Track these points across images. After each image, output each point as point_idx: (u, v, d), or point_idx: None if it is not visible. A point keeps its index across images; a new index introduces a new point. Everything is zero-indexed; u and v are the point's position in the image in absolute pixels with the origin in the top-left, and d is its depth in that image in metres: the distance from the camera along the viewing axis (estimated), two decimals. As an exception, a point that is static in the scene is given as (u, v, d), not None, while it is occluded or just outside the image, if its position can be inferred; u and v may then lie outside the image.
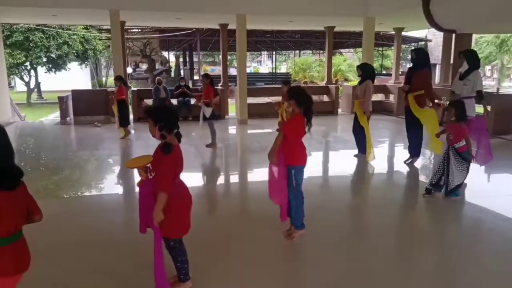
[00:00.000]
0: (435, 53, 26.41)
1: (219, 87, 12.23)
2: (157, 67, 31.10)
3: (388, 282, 3.36)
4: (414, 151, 6.92)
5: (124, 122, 9.34)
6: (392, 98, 14.42)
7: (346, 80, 24.08)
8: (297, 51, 34.49)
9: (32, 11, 11.12)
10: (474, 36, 21.03)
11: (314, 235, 4.16)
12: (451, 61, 12.28)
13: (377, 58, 32.19)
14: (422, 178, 6.65)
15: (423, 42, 28.49)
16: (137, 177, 5.76)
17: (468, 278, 3.45)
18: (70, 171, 6.89)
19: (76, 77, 24.64)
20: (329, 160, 8.14)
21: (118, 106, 9.19)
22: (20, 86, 26.10)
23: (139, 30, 23.77)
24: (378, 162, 7.20)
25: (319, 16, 12.21)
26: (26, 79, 22.15)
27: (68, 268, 3.54)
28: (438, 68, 19.79)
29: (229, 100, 13.75)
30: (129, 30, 22.03)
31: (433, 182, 5.31)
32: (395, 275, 3.49)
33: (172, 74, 31.84)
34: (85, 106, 11.93)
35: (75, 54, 21.10)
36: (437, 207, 5.23)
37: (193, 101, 12.08)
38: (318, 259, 3.74)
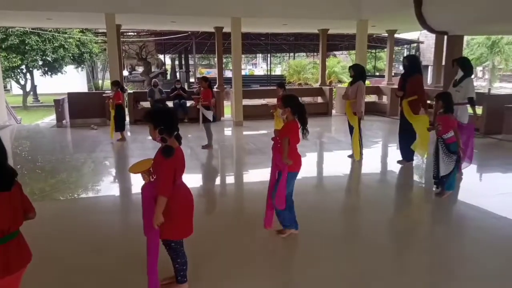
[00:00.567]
0: (427, 55, 26.67)
1: (215, 89, 12.32)
2: (153, 70, 31.09)
3: (381, 279, 3.44)
4: (408, 156, 7.04)
5: (119, 127, 9.40)
6: (385, 99, 14.57)
7: (340, 81, 24.23)
8: (291, 54, 34.66)
9: (27, 14, 11.18)
10: (466, 38, 21.24)
11: (310, 234, 4.24)
12: (443, 63, 12.45)
13: (370, 60, 32.42)
14: (416, 177, 6.78)
15: (415, 44, 28.74)
16: (135, 180, 5.86)
17: (465, 275, 3.53)
18: (66, 174, 6.94)
19: (72, 80, 24.68)
20: (323, 161, 8.24)
21: (116, 111, 9.24)
22: (16, 89, 26.08)
23: (135, 33, 23.83)
24: (372, 162, 7.32)
25: (313, 19, 12.35)
26: (22, 82, 22.15)
27: (66, 269, 3.60)
28: (430, 69, 19.97)
29: (224, 102, 13.84)
30: (125, 34, 22.09)
31: (434, 175, 5.47)
32: (388, 273, 3.58)
33: (168, 76, 31.84)
34: (81, 109, 11.97)
35: (71, 57, 21.13)
36: (430, 206, 5.35)
37: (189, 103, 12.17)
38: (314, 258, 3.82)
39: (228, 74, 25.46)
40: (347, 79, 23.49)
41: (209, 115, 8.12)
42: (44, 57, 19.61)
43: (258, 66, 52.44)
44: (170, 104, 12.17)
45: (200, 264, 3.59)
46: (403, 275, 3.54)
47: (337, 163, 7.50)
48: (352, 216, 5.19)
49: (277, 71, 41.82)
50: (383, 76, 19.76)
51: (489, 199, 5.42)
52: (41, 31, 18.81)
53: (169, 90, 12.54)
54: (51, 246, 4.02)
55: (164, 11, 10.71)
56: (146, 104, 12.53)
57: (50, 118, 15.47)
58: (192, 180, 6.48)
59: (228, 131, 11.38)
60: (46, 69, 20.97)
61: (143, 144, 9.10)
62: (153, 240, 2.89)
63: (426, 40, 28.19)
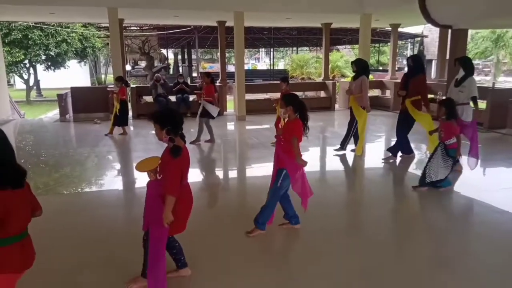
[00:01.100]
0: (431, 49, 26.51)
1: (217, 84, 12.31)
2: (155, 64, 31.12)
3: (382, 273, 3.45)
4: (395, 151, 7.10)
5: (122, 121, 9.42)
6: (388, 93, 14.52)
7: (343, 76, 24.12)
8: (294, 48, 34.53)
9: (30, 9, 11.17)
10: (470, 32, 21.09)
11: (312, 229, 4.26)
12: (447, 57, 12.38)
13: (374, 54, 32.26)
14: (418, 172, 6.75)
15: (419, 38, 28.57)
16: (138, 174, 5.87)
17: (466, 270, 3.54)
18: (70, 168, 6.98)
19: (75, 75, 24.73)
20: (326, 155, 8.24)
21: (120, 106, 9.25)
22: (19, 84, 26.17)
23: (138, 28, 23.81)
24: (375, 157, 7.31)
25: (316, 13, 12.29)
26: (25, 77, 22.21)
27: (71, 263, 3.62)
28: (434, 63, 19.85)
29: (227, 96, 13.83)
30: (127, 28, 22.07)
31: (422, 174, 5.52)
32: (390, 267, 3.59)
33: (171, 71, 31.86)
34: (84, 104, 11.99)
35: (74, 52, 21.15)
36: (431, 200, 5.34)
37: (191, 97, 12.17)
38: (316, 252, 3.82)
39: (231, 68, 25.41)
40: (350, 73, 23.35)
41: (214, 111, 8.11)
42: (47, 51, 19.64)
43: (261, 61, 52.34)
44: (173, 98, 12.16)
45: (201, 258, 3.60)
46: (405, 269, 3.55)
47: (340, 158, 7.48)
48: (354, 211, 5.19)
49: (280, 65, 41.70)
50: (387, 71, 19.67)
51: (492, 194, 5.42)
52: (44, 25, 18.82)
53: (171, 85, 12.54)
54: (55, 240, 4.04)
55: (166, 5, 10.68)
56: (149, 99, 12.53)
57: (53, 113, 15.54)
58: (195, 174, 6.51)
59: (230, 126, 11.38)
60: (49, 63, 21.02)
61: (146, 139, 9.12)
62: (159, 237, 2.89)
63: (430, 34, 28.00)
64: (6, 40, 17.85)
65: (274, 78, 26.66)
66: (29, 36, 18.62)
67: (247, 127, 10.97)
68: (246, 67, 25.95)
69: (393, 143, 7.36)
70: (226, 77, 13.61)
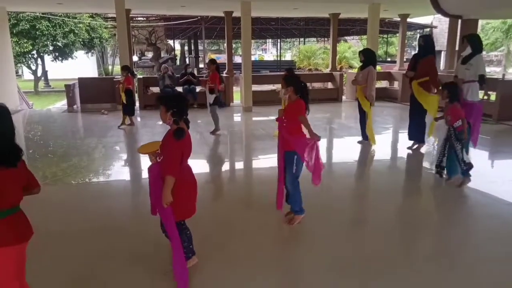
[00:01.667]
0: (441, 40, 26.17)
1: (224, 75, 12.29)
2: (162, 55, 31.11)
3: (389, 265, 3.45)
4: (418, 137, 6.99)
5: (129, 111, 9.45)
6: (396, 85, 14.40)
7: (351, 67, 23.95)
8: (301, 39, 34.28)
9: (38, -1, 11.20)
10: (480, 22, 20.81)
11: (319, 221, 4.26)
12: (457, 48, 12.22)
13: (382, 45, 31.94)
14: (426, 164, 6.72)
15: (428, 29, 28.22)
16: (145, 165, 5.90)
17: (469, 262, 3.52)
18: (78, 158, 7.02)
19: (82, 66, 24.78)
20: (333, 147, 8.21)
21: (125, 96, 9.27)
22: (27, 74, 26.31)
23: (145, 18, 23.78)
24: (382, 148, 7.28)
25: (324, 2, 12.17)
26: (33, 67, 22.30)
27: (80, 253, 3.66)
28: (443, 54, 19.63)
29: (234, 87, 13.81)
30: (134, 19, 22.05)
31: (437, 164, 5.44)
32: (397, 259, 3.58)
33: (178, 62, 31.82)
34: (91, 94, 12.03)
35: (81, 42, 21.18)
36: (440, 192, 5.32)
37: (198, 88, 12.17)
38: (322, 244, 3.83)
39: (237, 59, 25.33)
40: (358, 64, 23.22)
41: (211, 98, 8.07)
42: (54, 42, 19.67)
43: (268, 52, 52.07)
44: (179, 89, 12.17)
45: (207, 249, 3.62)
46: (409, 260, 3.55)
47: (347, 149, 7.47)
48: (361, 202, 5.18)
49: (287, 56, 41.51)
50: (395, 62, 19.49)
51: (500, 186, 5.38)
52: (51, 16, 18.85)
53: (178, 76, 12.54)
54: (64, 230, 4.09)
55: (173, -5, 10.64)
56: (156, 90, 12.56)
57: (61, 103, 15.62)
58: (201, 165, 6.52)
59: (237, 117, 11.38)
60: (57, 54, 21.07)
61: (153, 129, 9.14)
62: (168, 219, 2.93)
63: (440, 24, 27.65)
64: (14, 31, 17.90)
65: (281, 69, 26.55)
66: (36, 27, 18.65)
67: (254, 118, 10.95)
68: (253, 58, 25.87)
69: (401, 134, 7.29)
70: (233, 68, 13.57)
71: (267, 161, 6.71)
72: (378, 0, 11.66)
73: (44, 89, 23.56)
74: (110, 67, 30.78)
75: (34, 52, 20.42)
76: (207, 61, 23.78)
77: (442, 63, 17.65)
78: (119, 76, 10.34)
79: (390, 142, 8.49)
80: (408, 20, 16.58)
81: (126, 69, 9.36)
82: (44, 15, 18.60)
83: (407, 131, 7.23)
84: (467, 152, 5.35)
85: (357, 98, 7.34)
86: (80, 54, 23.58)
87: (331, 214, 4.47)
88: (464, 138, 5.16)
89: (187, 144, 2.96)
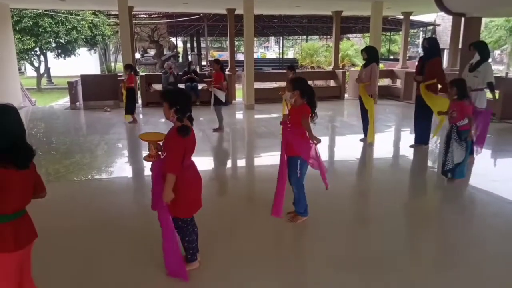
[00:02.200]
0: (444, 38, 26.09)
1: (227, 72, 12.28)
2: (165, 52, 31.09)
3: (394, 264, 3.45)
4: (423, 140, 6.98)
5: (131, 109, 9.47)
6: (399, 83, 14.36)
7: (353, 65, 23.93)
8: (304, 36, 34.22)
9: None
10: (484, 20, 20.71)
11: (323, 219, 4.25)
12: (460, 46, 12.18)
13: (385, 43, 31.86)
14: (429, 163, 6.71)
15: (431, 27, 28.12)
16: (147, 163, 5.91)
17: (475, 260, 3.51)
18: (80, 155, 7.04)
19: (85, 63, 24.81)
20: (335, 145, 8.21)
21: (127, 94, 9.30)
22: (30, 71, 26.32)
23: (147, 16, 23.76)
24: (385, 147, 7.27)
25: (326, 0, 12.13)
26: (36, 64, 22.32)
27: (82, 249, 3.68)
28: (446, 52, 19.56)
29: (236, 85, 13.80)
30: (137, 16, 22.04)
31: (443, 164, 5.41)
32: (402, 258, 3.58)
33: (180, 59, 31.79)
34: (94, 91, 12.05)
35: (84, 39, 21.18)
36: (442, 191, 5.31)
37: (200, 86, 12.17)
38: (326, 242, 3.82)
39: (240, 57, 25.33)
40: (360, 62, 23.19)
41: (221, 95, 8.11)
42: (57, 39, 19.68)
43: (270, 49, 51.96)
44: (182, 87, 12.17)
45: (210, 247, 3.62)
46: (412, 259, 3.55)
47: (350, 147, 7.46)
48: (364, 201, 5.18)
49: (290, 54, 41.37)
50: (397, 60, 19.44)
51: (504, 185, 5.36)
52: (54, 13, 18.86)
53: (181, 73, 12.54)
54: (66, 225, 4.10)
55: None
56: (158, 87, 12.56)
57: (64, 100, 15.63)
58: (204, 163, 6.53)
59: (239, 115, 11.38)
60: (60, 51, 21.08)
61: (156, 127, 9.15)
62: (164, 216, 2.94)
63: (443, 22, 27.56)
64: (17, 28, 17.91)
65: (283, 67, 26.51)
66: (39, 24, 18.66)
67: (256, 116, 10.95)
68: (255, 55, 25.83)
69: (403, 132, 7.29)
70: (235, 65, 13.56)
71: (270, 158, 6.71)
72: (381, -3, 11.64)
73: (47, 86, 23.58)
74: (112, 64, 30.78)
75: (37, 49, 20.42)
76: (209, 58, 23.71)
77: (445, 62, 17.59)
78: (122, 74, 10.36)
79: (393, 140, 8.48)
80: (411, 18, 16.54)
81: (129, 67, 9.37)
82: (47, 12, 18.61)
83: (409, 129, 7.23)
84: (467, 156, 5.29)
85: (360, 96, 7.34)
86: (82, 51, 23.58)
87: (334, 213, 4.47)
88: (468, 137, 5.11)
89: (191, 142, 2.94)
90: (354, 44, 28.75)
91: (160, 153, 3.01)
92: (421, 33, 32.67)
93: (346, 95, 14.10)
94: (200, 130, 8.58)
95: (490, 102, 6.35)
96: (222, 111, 8.40)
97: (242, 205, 4.74)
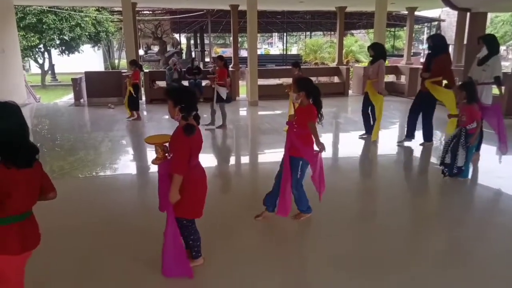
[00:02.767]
0: (449, 33, 25.91)
1: (230, 69, 12.26)
2: (168, 49, 31.11)
3: (397, 262, 3.44)
4: (428, 137, 6.96)
5: (134, 106, 9.48)
6: (403, 79, 14.30)
7: (357, 61, 23.81)
8: (308, 33, 34.12)
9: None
10: (489, 15, 20.53)
11: (326, 217, 4.24)
12: (465, 41, 12.09)
13: (389, 39, 31.69)
14: (433, 159, 6.68)
15: (436, 22, 27.95)
16: (151, 157, 5.93)
17: (482, 257, 3.49)
18: (85, 152, 7.06)
19: (89, 60, 24.85)
20: (339, 141, 8.19)
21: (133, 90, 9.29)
22: (34, 68, 26.42)
23: (151, 12, 23.76)
24: (388, 143, 7.25)
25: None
26: (40, 61, 22.41)
27: (84, 247, 3.68)
28: (451, 48, 19.38)
29: (239, 81, 13.78)
30: (140, 12, 22.03)
31: (441, 161, 5.38)
32: (405, 255, 3.56)
33: (184, 56, 31.80)
34: (98, 88, 12.08)
35: (88, 36, 21.23)
36: (448, 188, 5.28)
37: (204, 82, 12.15)
38: (329, 241, 3.81)
39: (243, 53, 25.26)
40: (364, 58, 23.13)
41: (223, 92, 8.09)
42: (61, 36, 19.74)
43: (274, 45, 51.86)
44: (185, 83, 12.17)
45: (214, 244, 3.62)
46: (417, 256, 3.54)
47: (353, 144, 7.44)
48: (367, 198, 5.17)
49: (293, 50, 41.30)
50: (402, 56, 19.34)
51: (509, 181, 5.34)
52: (58, 9, 18.89)
53: (185, 69, 12.54)
54: (69, 222, 4.12)
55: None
56: (162, 84, 12.57)
57: (68, 97, 15.69)
58: (207, 159, 6.53)
59: (243, 111, 11.36)
60: (63, 48, 21.16)
61: (159, 123, 9.17)
62: (172, 216, 2.92)
63: (448, 18, 27.38)
64: (21, 25, 17.96)
65: (287, 63, 26.47)
66: (43, 21, 18.71)
67: (260, 113, 10.94)
68: (259, 52, 25.77)
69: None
70: (238, 62, 13.54)
71: (274, 155, 6.69)
72: (386, -7, 11.55)
73: (51, 83, 23.67)
74: (116, 61, 30.86)
75: (41, 46, 20.51)
76: (213, 54, 23.77)
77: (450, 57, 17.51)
78: (126, 70, 10.36)
79: (397, 137, 8.44)
80: (416, 13, 16.44)
81: (134, 63, 9.37)
82: (51, 9, 18.65)
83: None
84: (470, 157, 5.27)
85: (366, 92, 7.31)
86: (86, 48, 23.66)
87: (337, 210, 4.45)
88: (471, 142, 5.09)
89: (197, 141, 2.88)
90: (358, 40, 28.62)
91: (167, 154, 2.97)
92: (425, 28, 32.50)
93: (350, 92, 14.05)
94: (203, 127, 8.57)
95: (495, 98, 6.30)
96: (225, 108, 8.39)
97: (245, 202, 4.73)
